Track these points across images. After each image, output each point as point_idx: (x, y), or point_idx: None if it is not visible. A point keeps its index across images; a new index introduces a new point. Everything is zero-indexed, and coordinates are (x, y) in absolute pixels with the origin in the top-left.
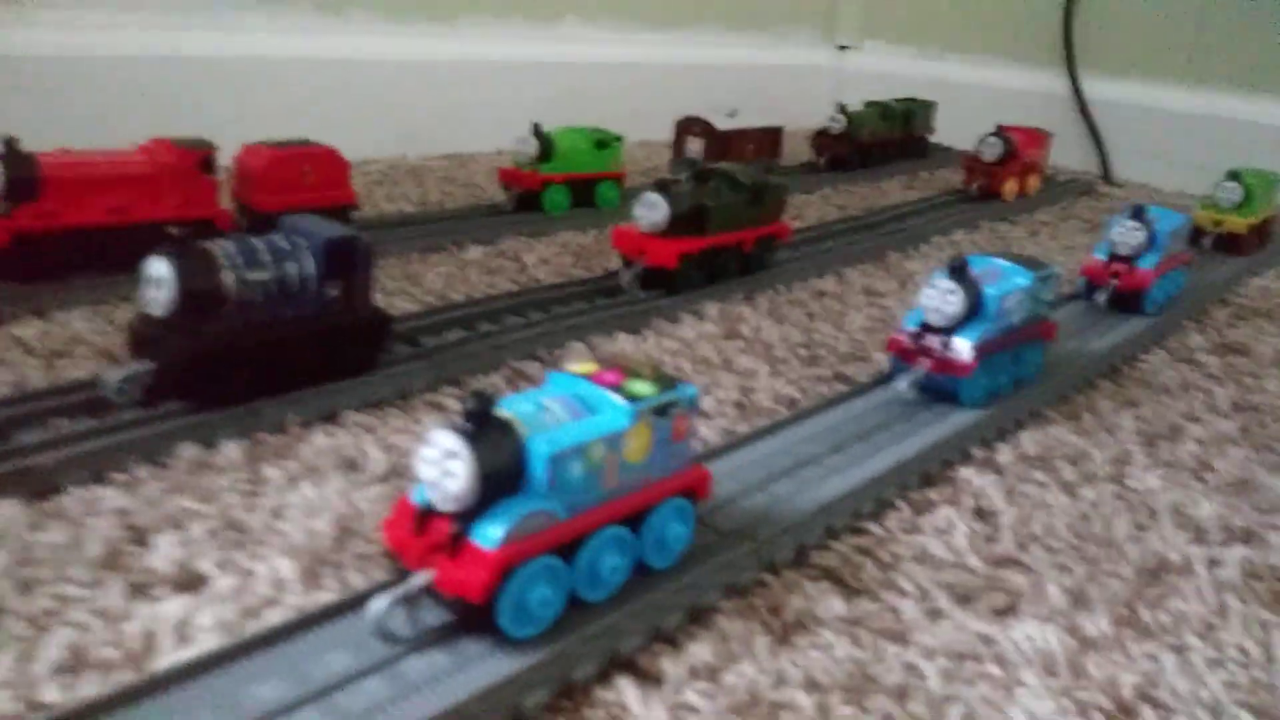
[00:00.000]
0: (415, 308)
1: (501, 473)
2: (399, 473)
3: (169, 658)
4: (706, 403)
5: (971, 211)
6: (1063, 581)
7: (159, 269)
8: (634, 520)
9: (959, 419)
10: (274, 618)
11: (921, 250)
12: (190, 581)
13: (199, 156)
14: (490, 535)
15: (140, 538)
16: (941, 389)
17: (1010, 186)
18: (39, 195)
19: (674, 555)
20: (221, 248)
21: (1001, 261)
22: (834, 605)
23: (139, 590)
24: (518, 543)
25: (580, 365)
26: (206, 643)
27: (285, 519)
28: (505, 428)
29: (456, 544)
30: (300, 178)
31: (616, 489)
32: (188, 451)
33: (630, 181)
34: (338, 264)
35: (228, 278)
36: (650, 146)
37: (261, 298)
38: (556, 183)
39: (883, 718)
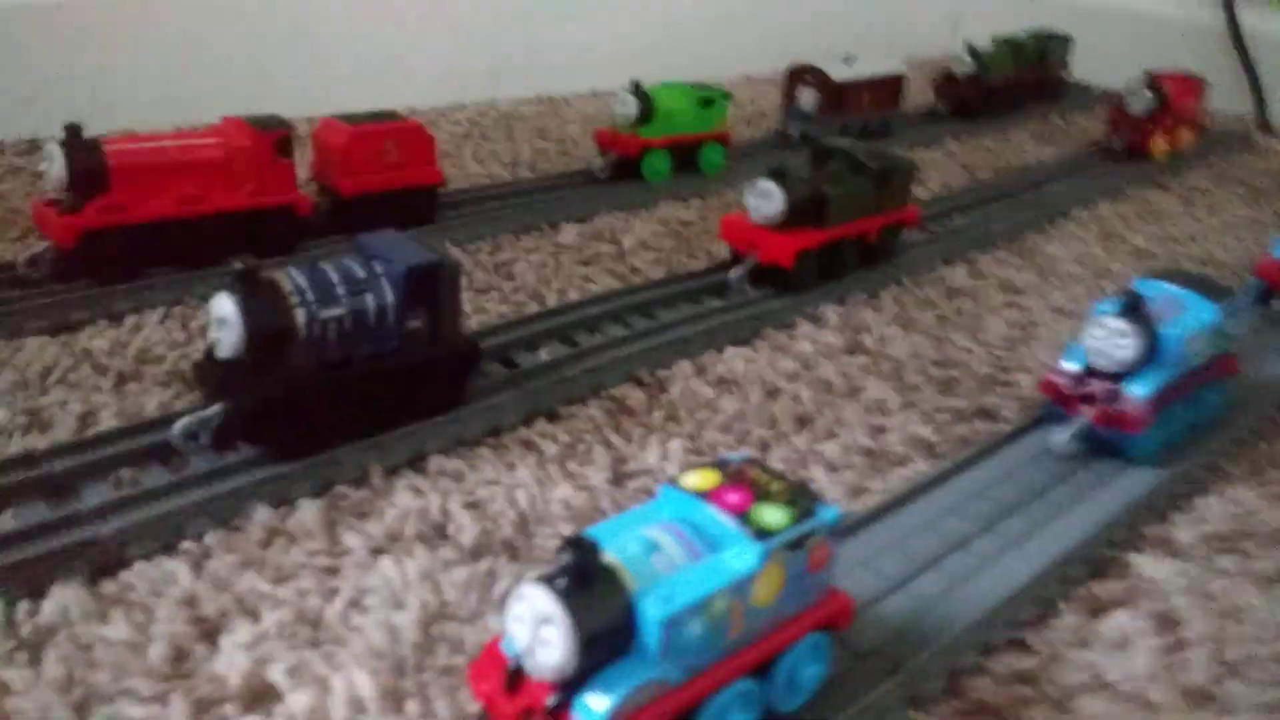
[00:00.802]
0: (507, 310)
1: (605, 639)
2: (489, 547)
3: None
4: (830, 449)
5: (1115, 174)
6: None
7: (224, 308)
8: (763, 664)
9: (1128, 483)
10: None
11: (1061, 227)
12: (260, 695)
13: (275, 138)
14: (594, 715)
15: (208, 632)
16: (1105, 440)
17: (1160, 144)
18: (107, 188)
19: (805, 695)
20: (292, 280)
21: (1179, 289)
22: None
23: (204, 708)
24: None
25: (698, 477)
26: None
27: (364, 611)
28: (609, 582)
29: (554, 718)
30: (382, 156)
31: (742, 638)
32: (261, 514)
33: (736, 135)
34: (421, 292)
35: (299, 316)
36: (756, 85)
37: (336, 335)
38: (657, 147)
39: None
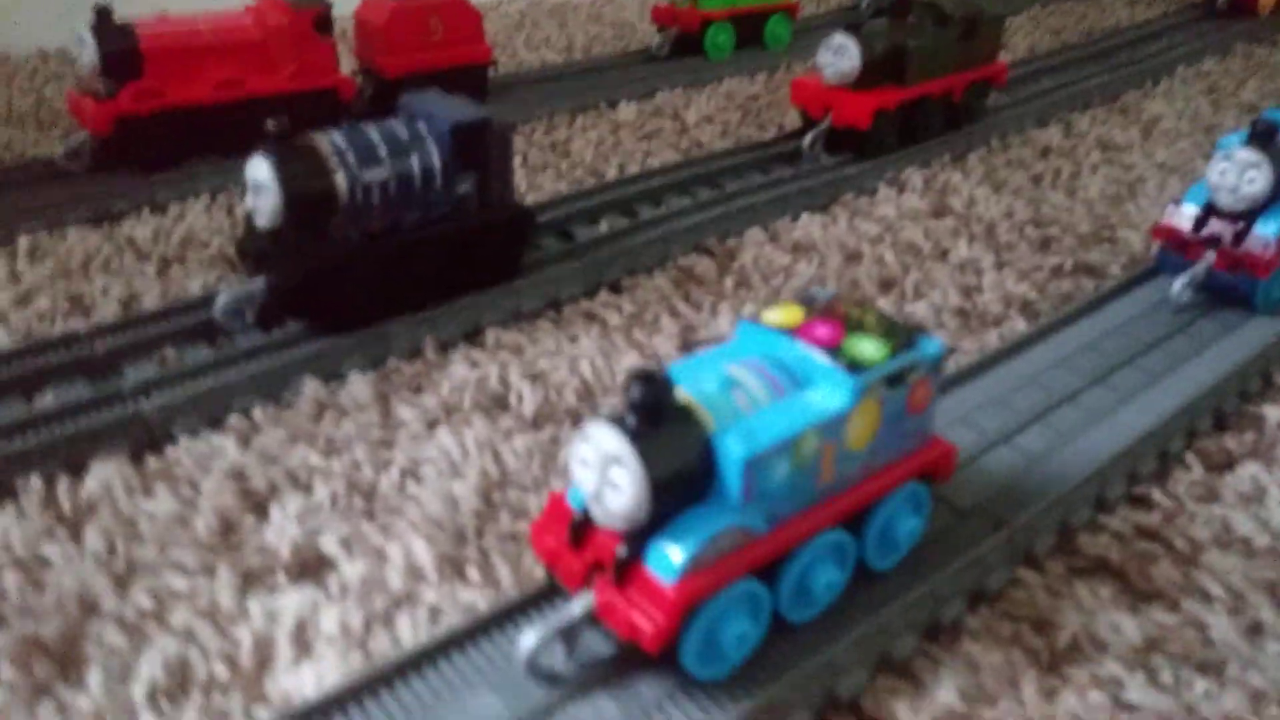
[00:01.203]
0: (564, 187)
1: (680, 482)
2: (553, 417)
3: (285, 676)
4: (919, 310)
5: (1219, 32)
6: None
7: (259, 172)
8: (855, 516)
9: (1254, 332)
10: (405, 625)
11: (1164, 87)
12: (312, 566)
13: (314, 15)
14: (669, 564)
15: (257, 505)
16: (1229, 289)
17: None
18: (140, 72)
19: (902, 552)
20: (330, 142)
21: None
22: (1120, 622)
23: (253, 579)
24: (704, 572)
25: (781, 312)
26: (328, 657)
27: (420, 481)
28: (684, 421)
29: (624, 571)
30: (427, 34)
31: (833, 485)
32: (310, 388)
33: (803, 14)
34: (469, 153)
35: (339, 179)
36: None
37: (380, 200)
38: (719, 20)
39: None
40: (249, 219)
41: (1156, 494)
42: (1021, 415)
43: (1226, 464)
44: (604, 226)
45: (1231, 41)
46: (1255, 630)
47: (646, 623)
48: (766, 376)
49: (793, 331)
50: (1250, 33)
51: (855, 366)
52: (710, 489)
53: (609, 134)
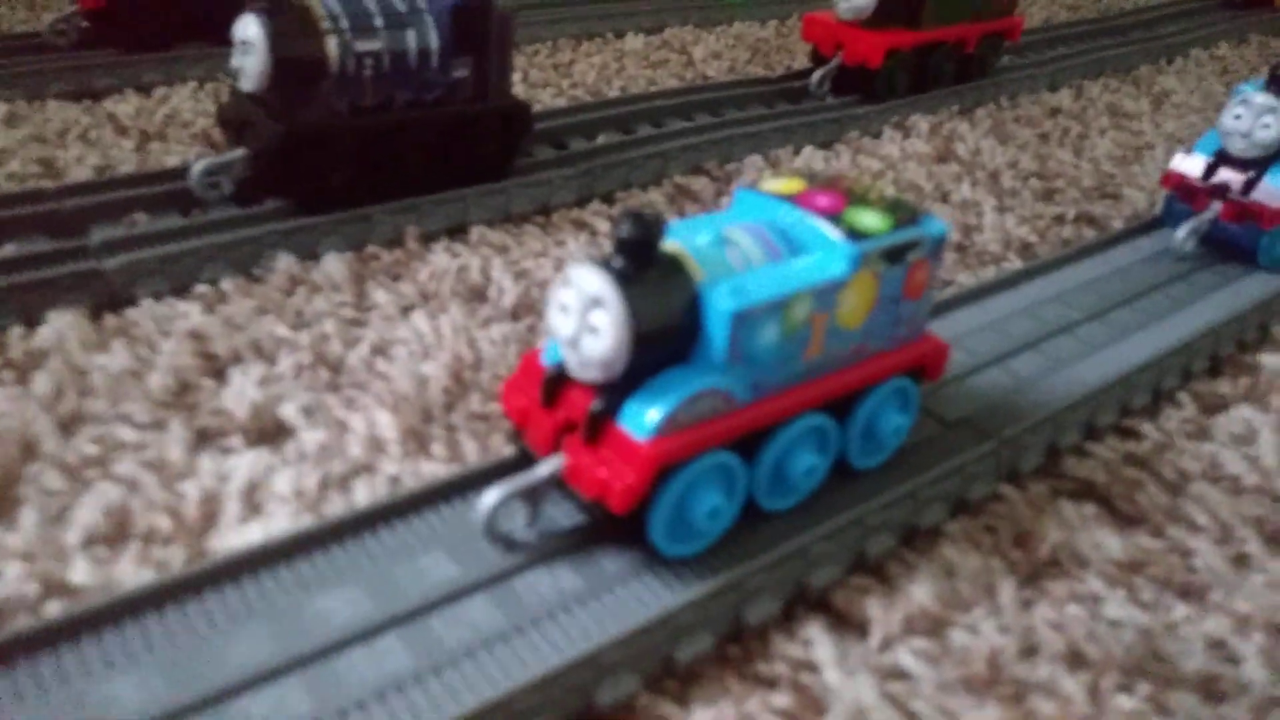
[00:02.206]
0: (563, 103)
1: (663, 333)
2: (534, 309)
3: (231, 533)
4: None
5: (1236, 21)
6: None
7: (248, 30)
8: (838, 403)
9: (1254, 285)
10: (363, 491)
11: (1178, 65)
12: (269, 432)
13: None
14: (644, 421)
15: (217, 370)
16: (1232, 242)
17: None
18: None
19: (886, 453)
20: (325, 5)
21: None
22: (1103, 540)
23: (207, 438)
24: (681, 433)
25: (782, 182)
26: (279, 517)
27: (391, 359)
28: (672, 268)
29: (597, 427)
30: None
31: (821, 362)
32: (283, 263)
33: None
34: (468, 36)
35: (331, 45)
36: None
37: (372, 73)
38: None
39: None
40: (233, 85)
41: (1147, 427)
42: (1014, 341)
43: (1220, 406)
44: (600, 140)
45: (1247, 31)
46: (1241, 561)
47: (616, 479)
48: (763, 240)
49: (793, 198)
50: (1267, 26)
51: (855, 235)
52: (693, 350)
53: (613, 60)
